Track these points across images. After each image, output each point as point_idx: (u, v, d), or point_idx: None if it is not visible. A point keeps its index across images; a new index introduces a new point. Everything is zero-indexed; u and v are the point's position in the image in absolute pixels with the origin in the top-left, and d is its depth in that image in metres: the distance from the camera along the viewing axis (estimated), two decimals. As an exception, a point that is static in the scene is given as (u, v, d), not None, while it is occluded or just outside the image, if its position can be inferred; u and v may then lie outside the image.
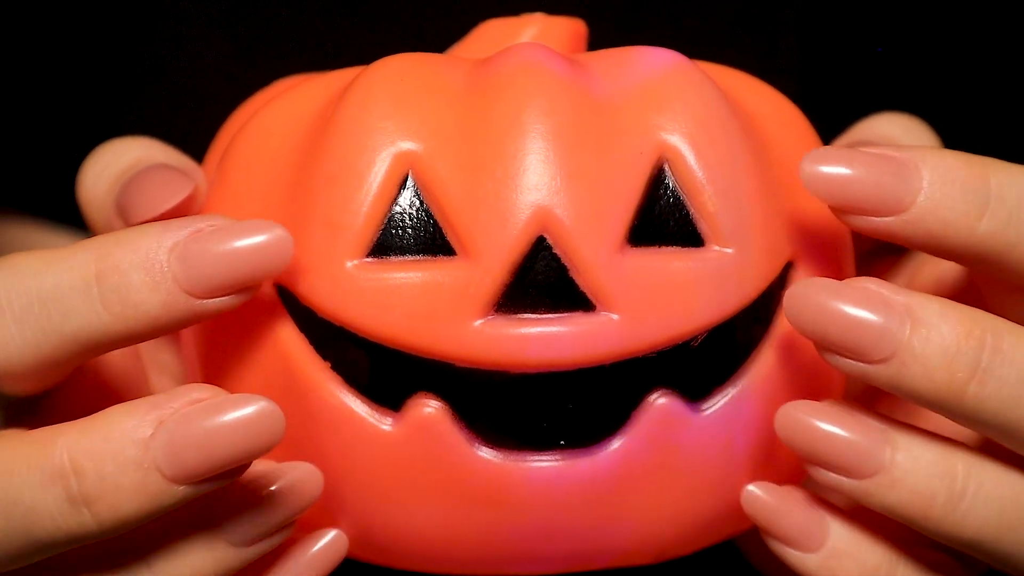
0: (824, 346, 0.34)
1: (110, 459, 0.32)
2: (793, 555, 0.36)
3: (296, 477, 0.35)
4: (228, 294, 0.34)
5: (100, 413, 0.33)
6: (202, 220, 0.34)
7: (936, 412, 0.34)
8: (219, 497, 0.34)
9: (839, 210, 0.35)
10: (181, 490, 0.33)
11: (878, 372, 0.34)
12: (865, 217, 0.34)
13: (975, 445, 0.35)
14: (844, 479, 0.34)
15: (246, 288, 0.34)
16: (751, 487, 0.36)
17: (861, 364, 0.34)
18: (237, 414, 0.33)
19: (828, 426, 0.35)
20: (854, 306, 0.34)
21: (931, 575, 0.36)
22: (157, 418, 0.33)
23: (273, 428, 0.33)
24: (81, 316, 0.34)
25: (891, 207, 0.34)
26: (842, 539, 0.36)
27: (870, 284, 0.34)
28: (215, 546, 0.34)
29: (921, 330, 0.33)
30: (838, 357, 0.34)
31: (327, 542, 0.36)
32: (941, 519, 0.34)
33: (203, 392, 0.33)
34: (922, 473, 0.34)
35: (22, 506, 0.33)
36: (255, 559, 0.35)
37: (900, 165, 0.34)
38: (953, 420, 0.34)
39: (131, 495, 0.32)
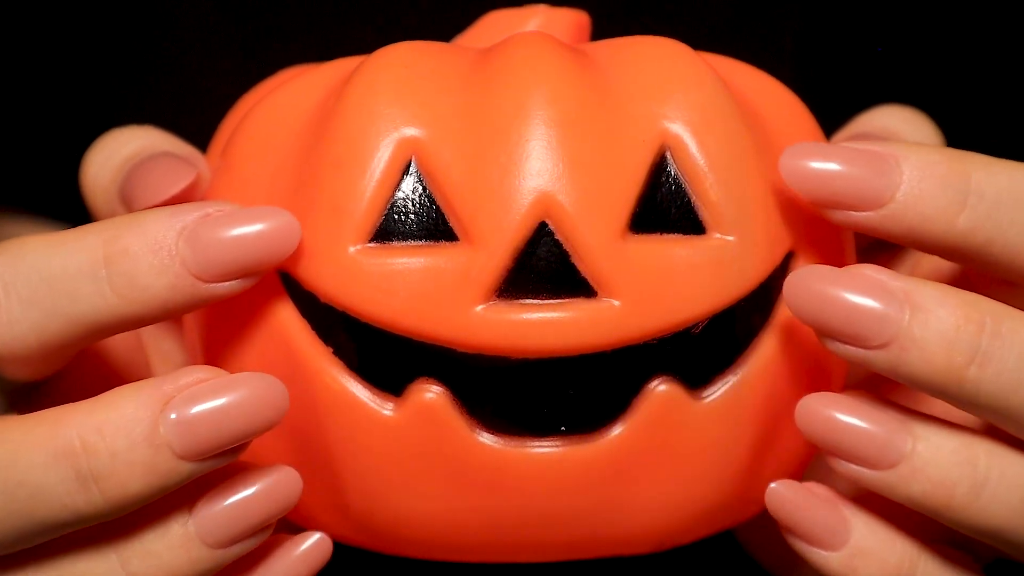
0: (824, 333, 0.34)
1: (123, 436, 0.33)
2: (816, 553, 0.36)
3: (274, 480, 0.35)
4: (236, 278, 0.34)
5: (107, 393, 0.33)
6: (211, 205, 0.35)
7: (936, 397, 0.34)
8: (196, 498, 0.34)
9: (819, 204, 0.35)
10: (188, 467, 0.33)
11: (878, 357, 0.34)
12: (845, 212, 0.34)
13: (994, 433, 0.35)
14: (866, 471, 0.34)
15: (253, 273, 0.34)
16: (774, 484, 0.36)
17: (861, 350, 0.34)
18: (243, 391, 0.33)
19: (848, 418, 0.34)
20: (854, 293, 0.34)
21: (952, 572, 0.36)
22: (165, 396, 0.33)
23: (278, 404, 0.34)
24: (89, 299, 0.34)
25: (871, 202, 0.34)
26: (865, 537, 0.35)
27: (869, 270, 0.34)
28: (190, 547, 0.34)
29: (920, 315, 0.33)
30: (838, 344, 0.34)
31: (310, 545, 0.36)
32: (964, 508, 0.34)
33: (206, 372, 0.34)
34: (943, 462, 0.34)
35: (27, 487, 0.33)
36: (232, 561, 0.35)
37: (880, 160, 0.34)
38: (953, 405, 0.34)
39: (141, 472, 0.33)
